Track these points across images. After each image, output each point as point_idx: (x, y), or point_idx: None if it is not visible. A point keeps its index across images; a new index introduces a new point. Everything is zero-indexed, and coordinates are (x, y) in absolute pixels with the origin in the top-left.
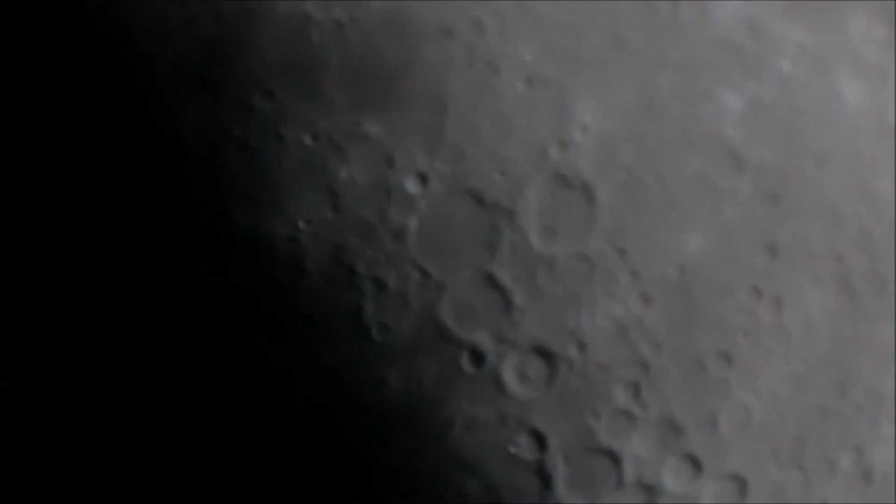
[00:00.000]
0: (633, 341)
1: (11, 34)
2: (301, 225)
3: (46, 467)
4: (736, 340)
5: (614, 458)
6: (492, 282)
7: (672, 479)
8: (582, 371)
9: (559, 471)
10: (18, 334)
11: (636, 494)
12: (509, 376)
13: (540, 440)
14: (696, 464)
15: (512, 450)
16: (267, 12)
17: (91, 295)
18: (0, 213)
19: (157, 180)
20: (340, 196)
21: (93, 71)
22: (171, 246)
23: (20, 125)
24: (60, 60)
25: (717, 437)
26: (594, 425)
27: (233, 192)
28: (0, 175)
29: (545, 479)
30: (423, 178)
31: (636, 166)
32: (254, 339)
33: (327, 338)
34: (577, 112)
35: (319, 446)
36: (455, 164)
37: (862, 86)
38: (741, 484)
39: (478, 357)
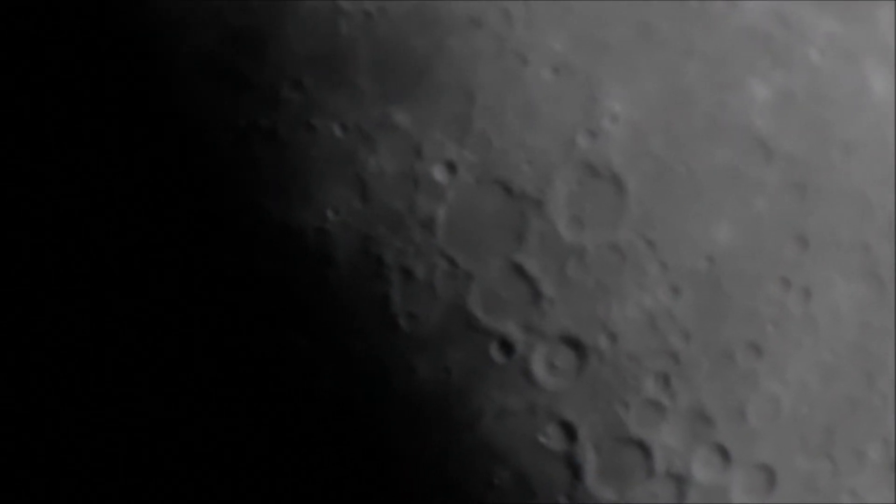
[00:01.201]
0: (662, 332)
1: (38, 28)
2: (329, 215)
3: (91, 462)
4: (765, 331)
5: (644, 449)
6: (520, 272)
7: (701, 469)
8: (611, 361)
9: (589, 461)
10: (46, 327)
11: (665, 485)
12: (538, 366)
13: (569, 430)
14: (725, 454)
15: (541, 440)
16: (295, 3)
17: (121, 287)
18: (29, 208)
19: (185, 172)
20: (369, 186)
21: (120, 64)
22: (200, 237)
23: (47, 119)
24: (87, 54)
25: (746, 427)
26: (624, 416)
27: (261, 183)
28: (28, 170)
29: (575, 470)
30: (451, 168)
31: (665, 156)
32: (282, 329)
33: (355, 328)
34: (606, 101)
35: (348, 436)
36: (483, 154)
37: (890, 76)
38: (770, 474)
39: (507, 347)
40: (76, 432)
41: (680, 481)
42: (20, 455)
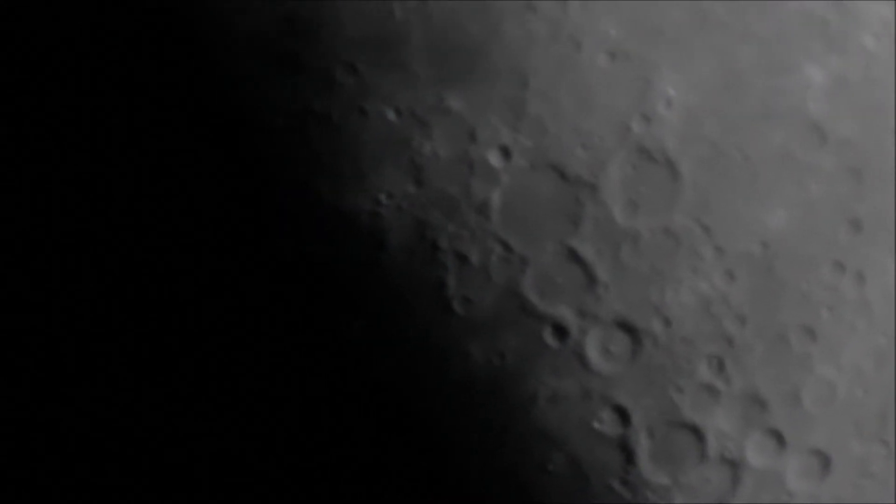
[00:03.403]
0: (716, 316)
1: (92, 13)
2: (383, 199)
3: (136, 450)
4: (819, 315)
5: (697, 433)
6: (575, 256)
7: (755, 453)
8: (666, 346)
9: (642, 445)
10: (104, 310)
11: (719, 469)
12: (592, 351)
13: (623, 415)
14: (779, 439)
15: (595, 424)
16: None
17: (175, 271)
18: (85, 187)
19: (239, 156)
20: (423, 170)
21: (174, 48)
22: (254, 221)
23: (102, 103)
24: (142, 38)
25: (801, 411)
26: (678, 400)
27: (315, 167)
28: (84, 150)
29: (628, 454)
30: (505, 153)
31: (719, 141)
32: (336, 313)
33: (410, 312)
34: (660, 86)
35: (402, 421)
36: (538, 139)
37: None
38: (824, 459)
39: (561, 331)
40: (143, 424)
41: (734, 466)
42: (87, 450)
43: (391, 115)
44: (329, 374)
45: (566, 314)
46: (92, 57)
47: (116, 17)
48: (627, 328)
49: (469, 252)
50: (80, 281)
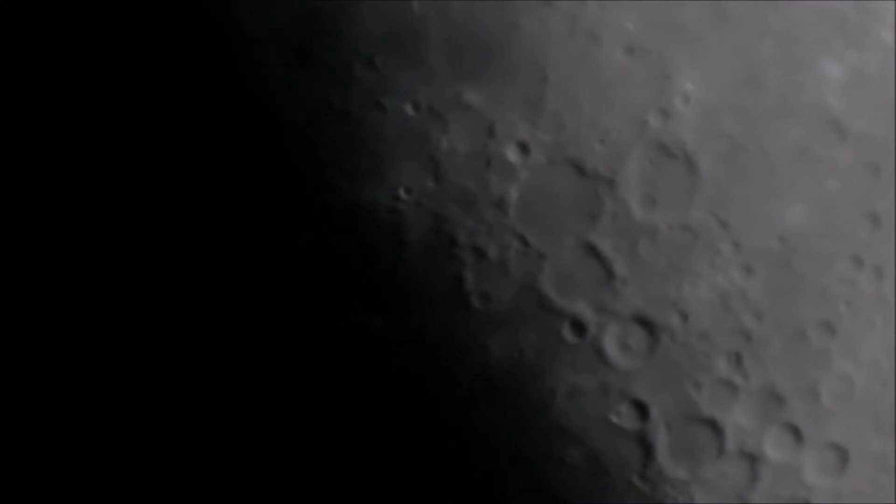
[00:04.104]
0: (734, 311)
1: (117, 7)
2: (402, 194)
3: (154, 443)
4: (837, 310)
5: (716, 428)
6: (593, 251)
7: (773, 448)
8: (684, 341)
9: (661, 440)
10: (122, 308)
11: (737, 464)
12: (610, 346)
13: (641, 410)
14: (797, 434)
15: (614, 419)
16: None
17: (194, 267)
18: (99, 184)
19: (257, 151)
20: (441, 165)
21: (193, 43)
22: (271, 216)
23: (119, 98)
24: (160, 33)
25: (819, 407)
26: (696, 395)
27: (334, 162)
28: (103, 146)
29: (647, 449)
30: (523, 148)
31: (737, 136)
32: (354, 308)
33: (428, 307)
34: (678, 81)
35: (421, 416)
36: (556, 134)
37: None
38: (842, 454)
39: (579, 327)
40: (171, 421)
41: (752, 460)
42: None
43: (409, 111)
44: (347, 369)
45: (584, 309)
46: (113, 52)
47: (138, 13)
48: (645, 323)
49: (487, 247)
50: (100, 279)
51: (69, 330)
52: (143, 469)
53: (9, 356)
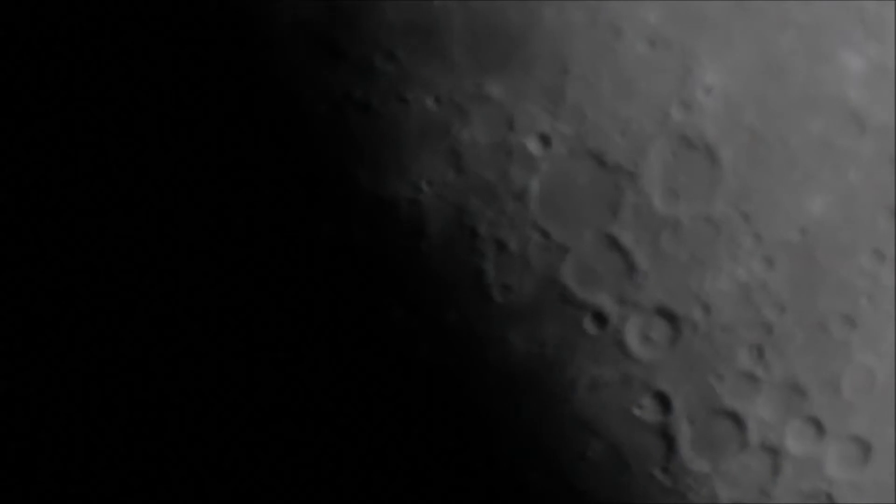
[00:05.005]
0: (756, 304)
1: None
2: (423, 187)
3: (160, 440)
4: (858, 303)
5: (738, 421)
6: (614, 244)
7: (795, 441)
8: (706, 333)
9: (683, 433)
10: (145, 299)
11: (759, 457)
12: (632, 338)
13: (663, 402)
14: (819, 426)
15: (635, 412)
16: None
17: (212, 258)
18: (123, 174)
19: (278, 143)
20: (462, 158)
21: (214, 35)
22: (293, 208)
23: (142, 90)
24: (182, 25)
25: (841, 399)
26: (718, 387)
27: (355, 155)
28: (123, 138)
29: (669, 441)
30: (544, 140)
31: (759, 128)
32: (376, 300)
33: (449, 299)
34: (700, 73)
35: (442, 408)
36: (577, 126)
37: None
38: (864, 446)
39: (600, 319)
40: (181, 412)
41: (774, 453)
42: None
43: (430, 103)
44: (368, 361)
45: (606, 302)
46: (137, 45)
47: (163, 4)
48: (667, 315)
49: (508, 240)
50: (119, 270)
51: (103, 325)
52: (172, 464)
53: (8, 355)
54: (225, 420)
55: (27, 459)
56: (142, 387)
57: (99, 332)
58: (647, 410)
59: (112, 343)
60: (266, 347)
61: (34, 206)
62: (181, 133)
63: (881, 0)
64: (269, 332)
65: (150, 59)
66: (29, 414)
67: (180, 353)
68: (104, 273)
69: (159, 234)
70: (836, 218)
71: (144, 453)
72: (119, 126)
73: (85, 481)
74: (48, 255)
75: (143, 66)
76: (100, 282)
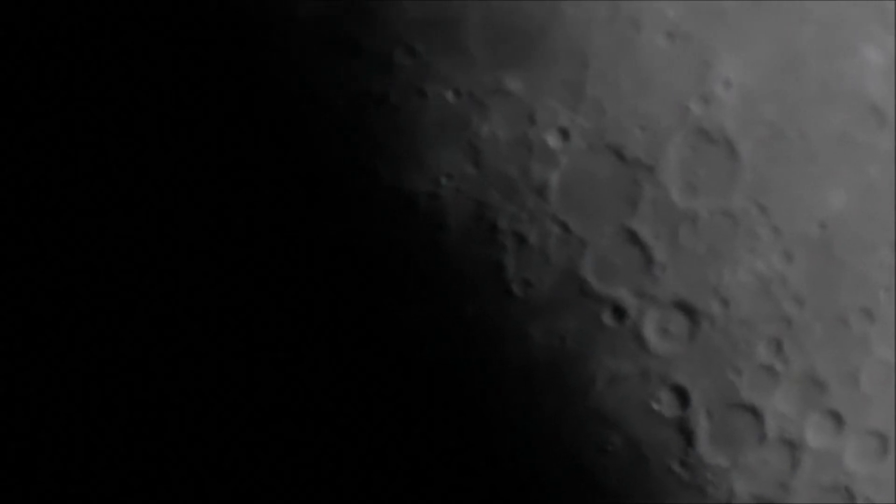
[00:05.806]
0: (775, 297)
1: None
2: (442, 181)
3: (171, 436)
4: (877, 297)
5: (756, 414)
6: (633, 238)
7: (814, 435)
8: (724, 327)
9: (701, 427)
10: (158, 294)
11: (778, 450)
12: (651, 332)
13: (682, 396)
14: (838, 420)
15: (654, 405)
16: None
17: (230, 251)
18: (143, 169)
19: (297, 137)
20: (482, 152)
21: (232, 30)
22: (312, 202)
23: (161, 84)
24: (200, 20)
25: (859, 393)
26: (736, 381)
27: (374, 149)
28: (142, 134)
29: (687, 435)
30: (564, 134)
31: (778, 122)
32: (395, 294)
33: (469, 293)
34: (719, 67)
35: (461, 402)
36: (596, 120)
37: None
38: (883, 440)
39: (619, 313)
40: (188, 409)
41: (792, 447)
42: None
43: (450, 97)
44: (387, 356)
45: (624, 295)
46: (156, 38)
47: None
48: (685, 309)
49: (528, 234)
50: (129, 267)
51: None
52: (179, 463)
53: (8, 355)
54: (225, 420)
55: (27, 459)
56: (142, 387)
57: (99, 332)
58: (665, 404)
59: (112, 343)
60: (282, 342)
61: (34, 206)
62: (199, 128)
63: None
64: (285, 326)
65: (169, 56)
66: (29, 414)
67: (180, 353)
68: (104, 273)
69: (159, 233)
70: (855, 212)
71: (144, 453)
72: (122, 126)
73: (85, 481)
74: (48, 255)
75: (161, 62)
76: (100, 282)
